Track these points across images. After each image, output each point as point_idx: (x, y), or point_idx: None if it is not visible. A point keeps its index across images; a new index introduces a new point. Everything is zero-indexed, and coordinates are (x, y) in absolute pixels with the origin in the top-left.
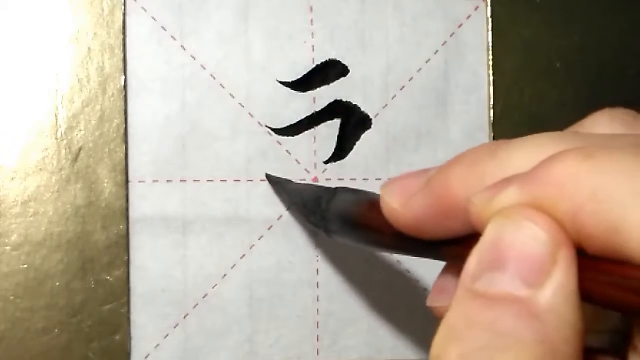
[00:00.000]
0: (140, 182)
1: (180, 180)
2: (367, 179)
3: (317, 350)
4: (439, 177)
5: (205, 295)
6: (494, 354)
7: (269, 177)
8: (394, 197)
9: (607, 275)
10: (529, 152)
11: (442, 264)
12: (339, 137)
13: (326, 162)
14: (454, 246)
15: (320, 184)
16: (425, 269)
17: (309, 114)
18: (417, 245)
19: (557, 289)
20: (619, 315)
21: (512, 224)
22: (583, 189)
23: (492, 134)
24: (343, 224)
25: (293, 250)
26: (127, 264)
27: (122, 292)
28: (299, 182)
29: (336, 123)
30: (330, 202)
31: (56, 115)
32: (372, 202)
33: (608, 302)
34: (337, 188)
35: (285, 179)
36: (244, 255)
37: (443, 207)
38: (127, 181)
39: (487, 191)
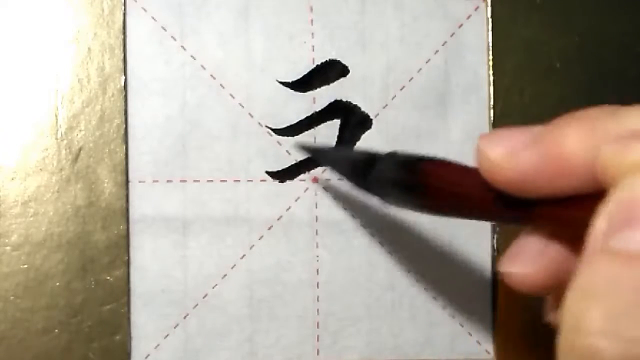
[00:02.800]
0: (140, 182)
1: (180, 180)
2: None
3: (317, 350)
4: (553, 133)
5: (205, 295)
6: None
7: (304, 147)
8: (496, 150)
9: None
10: None
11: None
12: (338, 137)
13: None
14: (555, 206)
15: (320, 184)
16: (426, 269)
17: (309, 114)
18: (508, 206)
19: None
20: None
21: None
22: None
23: None
24: (402, 186)
25: (293, 250)
26: (127, 264)
27: (122, 292)
28: (334, 148)
29: (336, 123)
30: (388, 164)
31: (56, 115)
32: (439, 161)
33: None
34: (394, 152)
35: (325, 146)
36: (244, 255)
37: (555, 163)
38: (127, 181)
39: (619, 143)
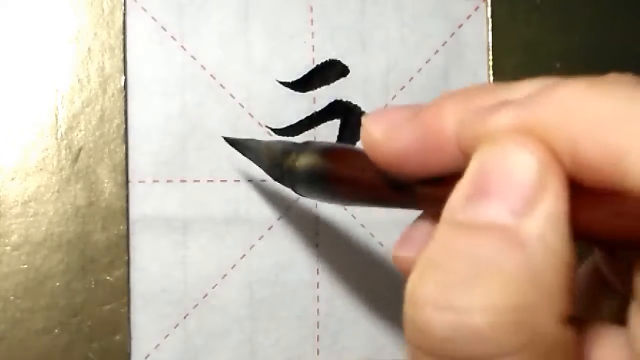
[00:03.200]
0: (140, 182)
1: (180, 180)
2: None
3: (317, 350)
4: (430, 108)
5: (205, 295)
6: (473, 281)
7: (228, 140)
8: (377, 127)
9: (603, 204)
10: (532, 85)
11: None
12: (338, 137)
13: None
14: (435, 186)
15: None
16: None
17: (309, 114)
18: (391, 188)
19: (544, 218)
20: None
21: (499, 150)
22: (587, 113)
23: None
24: (310, 175)
25: (293, 250)
26: (127, 264)
27: (122, 292)
28: (261, 139)
29: (336, 123)
30: (299, 154)
31: (56, 115)
32: (347, 149)
33: (602, 234)
34: (308, 142)
35: (248, 138)
36: (244, 255)
37: (431, 139)
38: (127, 181)
39: (479, 112)
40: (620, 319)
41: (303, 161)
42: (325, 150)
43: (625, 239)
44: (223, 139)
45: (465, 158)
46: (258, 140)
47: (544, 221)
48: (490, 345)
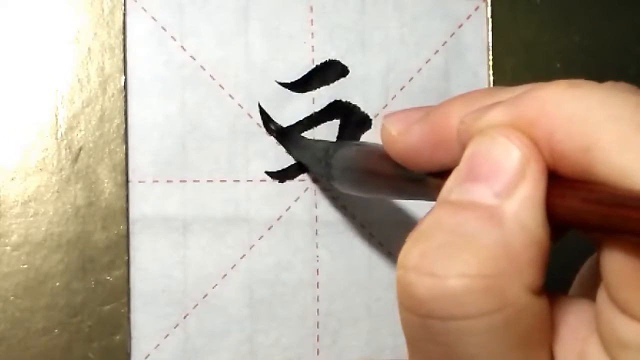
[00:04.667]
0: (140, 182)
1: (180, 180)
2: None
3: (317, 350)
4: (438, 108)
5: (205, 295)
6: (451, 251)
7: (277, 131)
8: (394, 125)
9: (574, 190)
10: (524, 88)
11: None
12: (338, 137)
13: None
14: (444, 178)
15: (320, 183)
16: None
17: (309, 114)
18: (408, 181)
19: (522, 200)
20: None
21: (488, 140)
22: (562, 110)
23: None
24: (344, 168)
25: (293, 250)
26: (127, 264)
27: (122, 292)
28: (309, 137)
29: (336, 123)
30: (336, 150)
31: (56, 115)
32: (374, 146)
33: (573, 217)
34: (344, 141)
35: (301, 135)
36: (244, 255)
37: (439, 135)
38: (127, 181)
39: (476, 112)
40: None
41: (339, 156)
42: (356, 147)
43: (595, 223)
44: (272, 131)
45: (464, 146)
46: (307, 139)
47: (521, 203)
48: (465, 306)
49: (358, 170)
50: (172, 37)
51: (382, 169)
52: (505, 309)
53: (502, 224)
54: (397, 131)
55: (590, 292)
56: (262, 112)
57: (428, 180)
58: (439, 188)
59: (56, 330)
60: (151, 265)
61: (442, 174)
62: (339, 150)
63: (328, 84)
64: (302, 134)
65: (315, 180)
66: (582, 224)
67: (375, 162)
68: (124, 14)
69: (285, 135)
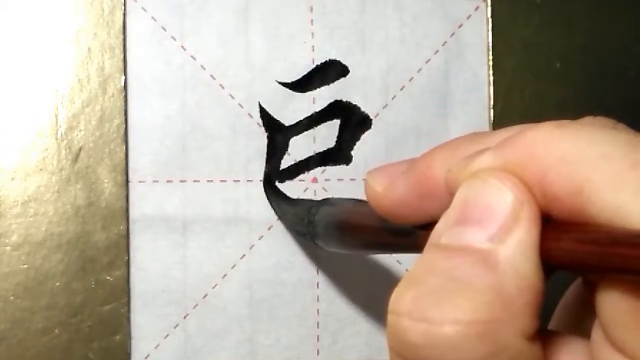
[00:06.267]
0: (140, 182)
1: (180, 180)
2: None
3: (317, 350)
4: (422, 160)
5: (205, 295)
6: (445, 296)
7: (265, 186)
8: (378, 181)
9: (568, 232)
10: (509, 132)
11: None
12: (338, 137)
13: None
14: (430, 230)
15: (319, 184)
16: None
17: (309, 114)
18: (396, 235)
19: (517, 244)
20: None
21: (480, 183)
22: (553, 151)
23: None
24: (328, 225)
25: (293, 250)
26: (127, 264)
27: (122, 292)
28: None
29: (336, 123)
30: (319, 208)
31: (56, 115)
32: (356, 202)
33: (569, 260)
34: (328, 198)
35: (282, 192)
36: (244, 255)
37: (424, 187)
38: (127, 181)
39: (463, 159)
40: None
41: (323, 212)
42: (340, 203)
43: (592, 264)
44: (263, 186)
45: (452, 194)
46: (290, 199)
47: (515, 248)
48: (460, 352)
49: (343, 226)
50: (172, 37)
51: (368, 223)
52: (500, 354)
53: (496, 269)
54: (381, 187)
55: (576, 323)
56: (263, 111)
57: (416, 232)
58: (427, 239)
59: (56, 330)
60: (151, 265)
61: (430, 225)
62: (322, 207)
63: (328, 84)
64: (288, 194)
65: (314, 180)
66: (578, 266)
67: (361, 218)
68: (124, 14)
69: (271, 188)
